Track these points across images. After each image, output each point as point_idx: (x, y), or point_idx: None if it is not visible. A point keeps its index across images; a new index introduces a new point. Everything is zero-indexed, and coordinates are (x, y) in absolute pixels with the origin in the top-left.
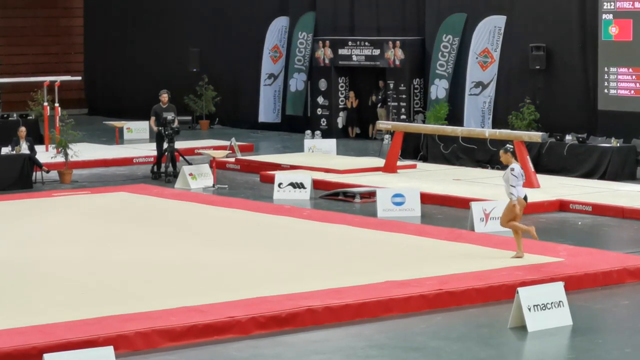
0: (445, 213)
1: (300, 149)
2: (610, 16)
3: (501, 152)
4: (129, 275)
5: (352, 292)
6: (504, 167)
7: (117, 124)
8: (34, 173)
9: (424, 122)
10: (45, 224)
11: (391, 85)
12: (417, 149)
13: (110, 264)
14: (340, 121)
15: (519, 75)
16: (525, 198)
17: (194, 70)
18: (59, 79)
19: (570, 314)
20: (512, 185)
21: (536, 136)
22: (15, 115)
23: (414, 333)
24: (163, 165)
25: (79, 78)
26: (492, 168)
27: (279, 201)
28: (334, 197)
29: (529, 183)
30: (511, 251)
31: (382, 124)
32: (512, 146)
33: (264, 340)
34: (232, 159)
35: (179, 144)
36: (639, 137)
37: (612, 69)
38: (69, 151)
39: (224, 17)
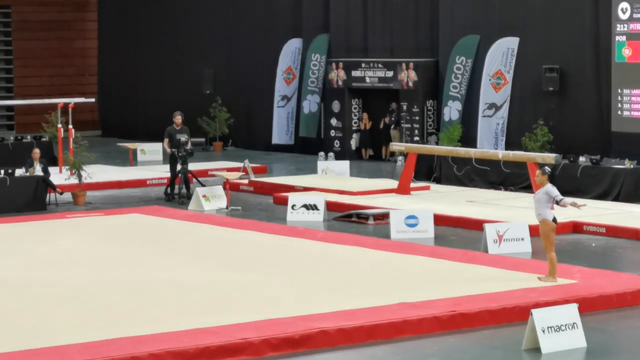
0: (459, 235)
1: (313, 170)
2: (624, 38)
3: (538, 172)
4: (142, 297)
5: (365, 314)
6: (517, 188)
7: (131, 145)
8: (48, 195)
9: (437, 143)
10: (59, 245)
11: (404, 107)
12: (430, 170)
13: (123, 285)
14: (353, 143)
15: (532, 97)
16: (554, 220)
17: (208, 92)
18: (72, 100)
19: (585, 336)
20: (556, 196)
21: (550, 158)
22: (29, 137)
23: (426, 355)
24: (176, 187)
25: (93, 100)
26: (506, 189)
27: (292, 223)
28: (347, 219)
29: None
30: (524, 272)
31: (396, 146)
32: (549, 168)
33: None
34: (246, 181)
35: (193, 166)
36: None
37: (626, 91)
38: (82, 173)
39: (238, 39)
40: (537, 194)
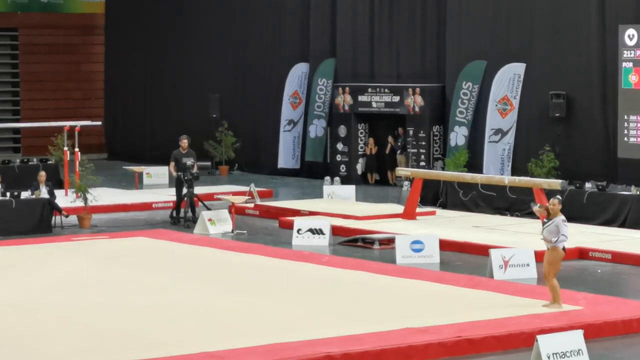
0: (464, 260)
1: (319, 195)
2: (631, 64)
3: (555, 201)
4: (148, 321)
5: (370, 339)
6: (523, 214)
7: (137, 169)
8: (54, 217)
9: (443, 169)
10: (64, 268)
11: (411, 132)
12: (436, 195)
13: (129, 310)
14: (359, 167)
15: (538, 123)
16: (563, 249)
17: (214, 116)
18: (79, 124)
19: None
20: (563, 235)
21: (556, 184)
22: (35, 159)
23: None
24: (182, 210)
25: (99, 123)
26: (512, 215)
27: (297, 247)
28: (353, 244)
29: None
30: (530, 298)
31: (402, 171)
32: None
33: None
34: (251, 205)
35: (198, 190)
36: None
37: (632, 117)
38: (88, 196)
39: (244, 63)
40: (549, 226)
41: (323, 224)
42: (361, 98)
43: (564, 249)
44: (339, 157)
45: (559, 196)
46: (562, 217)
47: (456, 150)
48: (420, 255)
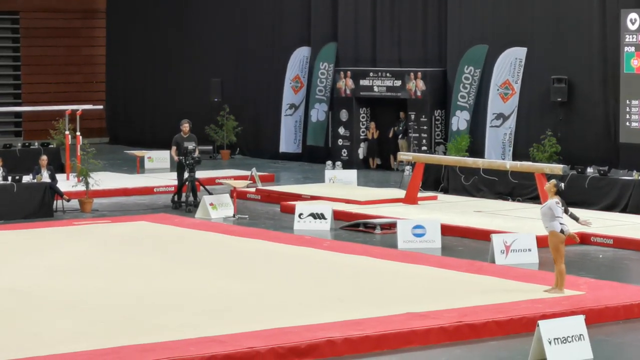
0: (466, 245)
1: (321, 179)
2: (632, 49)
3: (552, 182)
4: (149, 305)
5: (371, 324)
6: (525, 199)
7: (138, 153)
8: (55, 202)
9: (445, 153)
10: (65, 253)
11: (412, 117)
12: (438, 180)
13: (130, 294)
14: (361, 152)
15: (540, 108)
16: (562, 232)
17: (216, 100)
18: (80, 107)
19: (591, 348)
20: (558, 216)
21: (557, 169)
22: (36, 143)
23: None
24: (184, 194)
25: (101, 107)
26: (513, 200)
27: (299, 232)
28: (354, 228)
29: None
30: (531, 284)
31: (403, 156)
32: (563, 184)
33: None
34: (253, 189)
35: (200, 174)
36: None
37: (634, 102)
38: (89, 180)
39: (246, 48)
40: (542, 208)
41: (324, 208)
42: (363, 82)
43: (562, 231)
44: (340, 142)
45: (562, 184)
46: (556, 199)
47: (458, 134)
48: (422, 240)
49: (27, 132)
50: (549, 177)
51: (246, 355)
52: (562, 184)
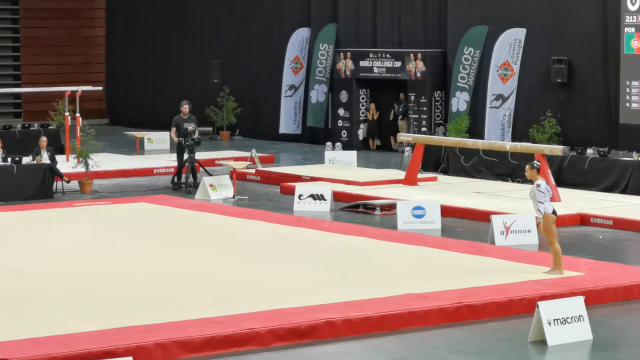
0: (466, 226)
1: (320, 160)
2: (633, 30)
3: (527, 167)
4: (148, 286)
5: (371, 305)
6: (525, 180)
7: (138, 134)
8: (55, 183)
9: (444, 134)
10: (65, 234)
11: (412, 98)
12: (437, 161)
13: (130, 275)
14: (361, 133)
15: (539, 89)
16: (554, 212)
17: (215, 81)
18: (80, 89)
19: (591, 329)
20: (540, 202)
21: (557, 150)
22: (36, 125)
23: (433, 347)
24: (183, 176)
25: (100, 88)
26: (513, 181)
27: (299, 213)
28: (354, 209)
29: (550, 197)
30: (531, 265)
31: (403, 137)
32: (538, 162)
33: (283, 353)
34: (253, 170)
35: (200, 155)
36: None
37: (634, 83)
38: (89, 161)
39: (245, 29)
40: (530, 192)
41: (324, 189)
42: (363, 63)
43: (554, 212)
44: (340, 123)
45: (535, 162)
46: (538, 181)
47: (457, 115)
48: (422, 221)
49: (27, 113)
50: (549, 158)
51: (246, 337)
52: (536, 162)
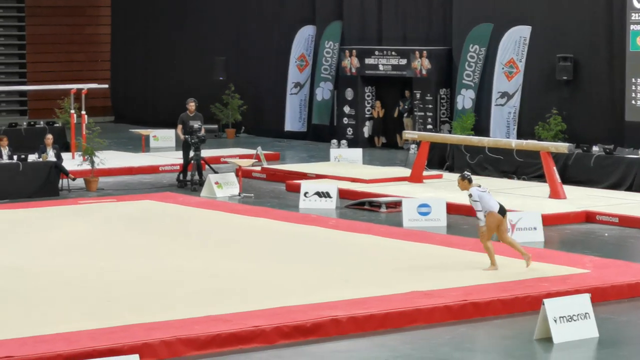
0: (471, 223)
1: (326, 158)
2: (638, 27)
3: (459, 178)
4: (154, 284)
5: (376, 303)
6: (530, 177)
7: (144, 132)
8: (60, 180)
9: (450, 132)
10: (71, 231)
11: (417, 95)
12: (443, 159)
13: (135, 273)
14: (366, 131)
15: (545, 86)
16: (501, 210)
17: (221, 78)
18: (85, 86)
19: (596, 326)
20: (478, 210)
21: (563, 147)
22: (42, 122)
23: (438, 344)
24: (189, 173)
25: (106, 86)
26: (518, 179)
27: (304, 210)
28: (359, 207)
29: (556, 194)
30: (537, 262)
31: (409, 134)
32: (469, 173)
33: (288, 350)
34: (258, 168)
35: (205, 153)
36: None
37: None
38: (95, 159)
39: (250, 26)
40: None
41: (330, 187)
42: (368, 61)
43: (501, 210)
44: (345, 120)
45: (466, 172)
46: (469, 190)
47: (463, 113)
48: (427, 218)
49: (33, 111)
50: (554, 155)
51: (251, 334)
52: (467, 172)
